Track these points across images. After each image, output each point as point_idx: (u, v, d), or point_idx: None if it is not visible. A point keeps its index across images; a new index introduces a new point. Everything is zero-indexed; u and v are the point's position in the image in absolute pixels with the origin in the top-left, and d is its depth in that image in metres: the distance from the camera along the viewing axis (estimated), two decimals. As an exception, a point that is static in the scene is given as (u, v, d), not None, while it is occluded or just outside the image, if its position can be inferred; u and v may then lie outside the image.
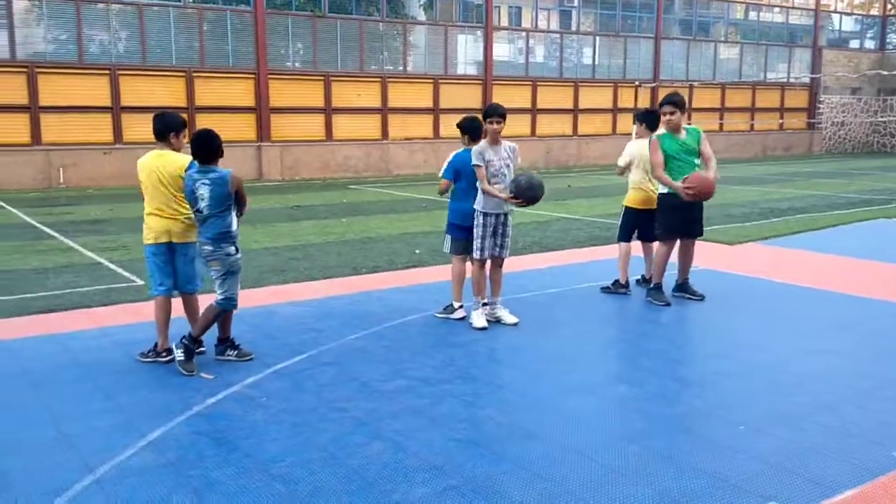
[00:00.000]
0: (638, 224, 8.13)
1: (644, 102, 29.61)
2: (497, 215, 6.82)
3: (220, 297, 5.76)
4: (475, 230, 6.83)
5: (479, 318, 6.82)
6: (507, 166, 6.85)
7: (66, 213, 14.86)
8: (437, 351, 6.22)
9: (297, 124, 23.61)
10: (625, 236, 8.19)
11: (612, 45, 30.10)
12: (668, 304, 7.55)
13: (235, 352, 5.95)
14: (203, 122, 22.25)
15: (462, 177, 7.02)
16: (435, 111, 25.99)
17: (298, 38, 23.88)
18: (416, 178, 23.76)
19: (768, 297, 7.96)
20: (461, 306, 7.14)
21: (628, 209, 8.23)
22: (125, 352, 6.14)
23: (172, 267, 5.92)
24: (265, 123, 23.13)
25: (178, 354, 5.66)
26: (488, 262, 6.99)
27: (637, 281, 8.34)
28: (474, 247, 6.87)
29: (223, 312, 5.83)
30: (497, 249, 6.91)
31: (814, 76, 35.08)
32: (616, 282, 8.11)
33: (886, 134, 37.80)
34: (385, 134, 25.01)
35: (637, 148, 8.17)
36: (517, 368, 5.77)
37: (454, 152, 7.14)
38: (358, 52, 24.82)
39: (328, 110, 24.02)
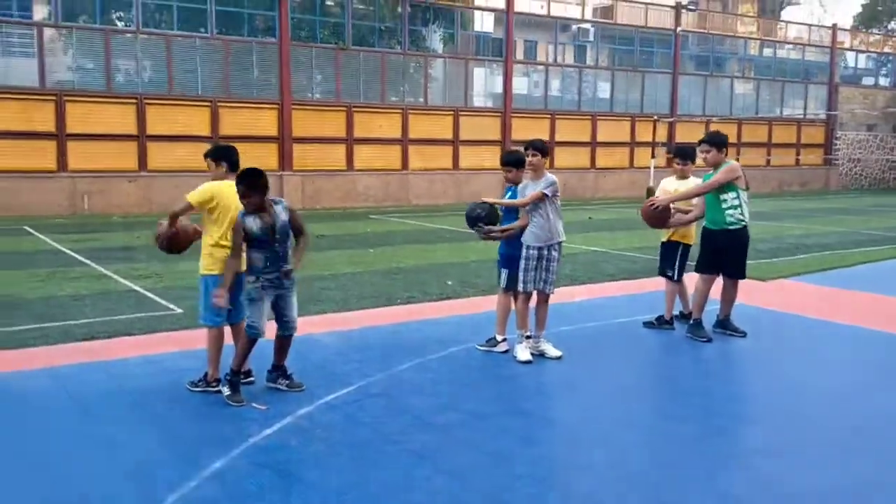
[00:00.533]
0: (674, 258, 8.15)
1: (661, 137, 29.76)
2: (540, 248, 6.84)
3: (245, 323, 5.78)
4: (521, 262, 6.85)
5: (523, 352, 6.81)
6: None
7: (93, 240, 14.97)
8: (484, 384, 6.22)
9: (318, 154, 23.81)
10: (663, 272, 8.21)
11: (630, 80, 30.33)
12: (709, 340, 7.52)
13: (287, 381, 5.95)
14: (226, 150, 22.49)
15: (503, 211, 7.12)
16: (454, 143, 26.18)
17: (322, 69, 24.18)
18: (436, 208, 23.86)
19: (813, 334, 7.93)
20: (504, 339, 7.13)
21: (661, 244, 8.27)
22: (173, 380, 6.16)
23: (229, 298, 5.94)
24: (287, 153, 23.33)
25: (224, 390, 5.67)
26: (534, 297, 6.99)
27: (675, 316, 8.31)
28: (520, 279, 6.88)
29: (251, 341, 5.77)
30: (542, 284, 6.92)
31: (831, 113, 35.22)
32: (660, 317, 8.08)
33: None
34: (405, 164, 25.18)
35: (670, 185, 8.21)
36: (567, 403, 5.75)
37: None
38: (379, 84, 25.09)
39: (350, 140, 24.23)
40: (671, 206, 7.67)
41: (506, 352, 7.05)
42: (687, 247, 8.04)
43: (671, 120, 30.11)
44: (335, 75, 24.28)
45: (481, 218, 6.95)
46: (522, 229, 6.89)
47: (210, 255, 5.90)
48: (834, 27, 38.43)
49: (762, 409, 5.71)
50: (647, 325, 8.14)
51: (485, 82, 27.46)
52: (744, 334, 7.73)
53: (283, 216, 5.76)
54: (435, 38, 27.44)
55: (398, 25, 25.94)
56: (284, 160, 23.35)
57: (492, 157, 27.05)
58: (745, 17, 39.55)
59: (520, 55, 29.14)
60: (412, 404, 5.67)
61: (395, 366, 6.61)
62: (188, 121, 21.93)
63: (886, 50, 40.03)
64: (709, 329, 7.71)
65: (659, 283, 10.49)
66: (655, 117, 29.10)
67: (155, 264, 11.95)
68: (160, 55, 21.73)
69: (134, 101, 21.29)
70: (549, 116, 28.17)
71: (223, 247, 5.85)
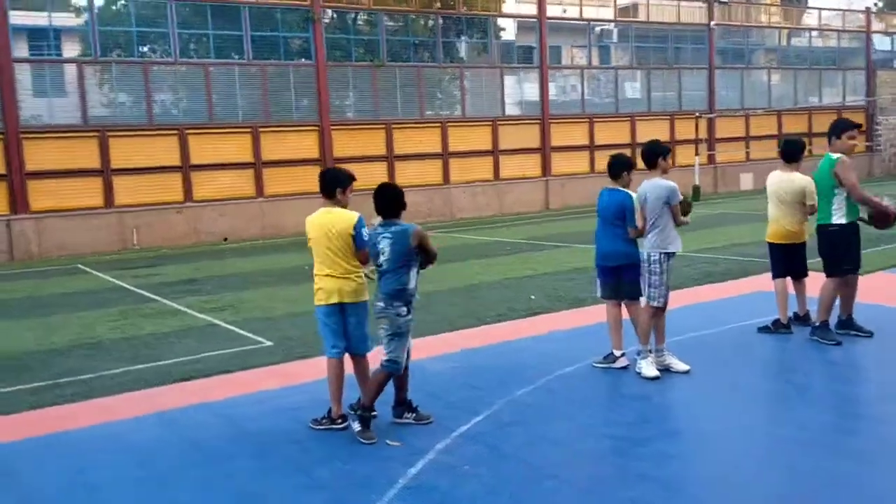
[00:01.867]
0: (782, 259, 7.76)
1: (703, 133, 29.26)
2: (672, 255, 6.49)
3: (384, 358, 5.48)
4: (658, 276, 6.46)
5: (649, 368, 6.44)
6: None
7: (153, 274, 14.81)
8: (619, 405, 5.88)
9: (360, 173, 23.38)
10: (776, 272, 7.80)
11: (665, 78, 29.86)
12: (839, 343, 7.08)
13: (414, 414, 5.64)
14: (270, 176, 22.39)
15: (598, 218, 6.76)
16: (494, 153, 25.85)
17: (359, 88, 23.99)
18: (480, 220, 23.54)
19: (937, 330, 7.48)
20: (623, 354, 6.77)
21: (769, 244, 7.89)
22: (292, 418, 5.87)
23: (344, 328, 5.66)
24: (329, 174, 23.10)
25: (355, 426, 5.36)
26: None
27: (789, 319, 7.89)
28: (654, 294, 6.48)
29: (390, 376, 5.52)
30: (667, 292, 6.55)
31: (869, 99, 34.48)
32: (776, 321, 7.67)
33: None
34: (447, 178, 24.88)
35: (776, 179, 7.83)
36: (714, 420, 5.38)
37: (602, 191, 6.89)
38: (417, 99, 24.87)
39: (390, 157, 24.00)
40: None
41: (625, 367, 6.68)
42: (804, 245, 7.68)
43: (711, 116, 29.59)
44: (373, 93, 24.09)
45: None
46: None
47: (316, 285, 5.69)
48: (868, 10, 37.69)
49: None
50: (763, 329, 7.73)
51: (521, 90, 27.14)
52: (870, 334, 7.30)
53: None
54: (468, 49, 27.18)
55: (431, 39, 25.74)
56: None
57: (533, 165, 26.72)
58: (773, 5, 38.95)
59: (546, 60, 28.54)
60: (551, 431, 5.33)
61: (515, 390, 6.27)
62: (230, 148, 21.82)
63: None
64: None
65: (747, 285, 10.11)
66: (697, 114, 28.62)
67: (225, 295, 11.75)
68: (199, 84, 21.65)
69: (175, 132, 21.20)
70: (587, 120, 27.77)
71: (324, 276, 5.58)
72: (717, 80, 30.91)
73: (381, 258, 5.42)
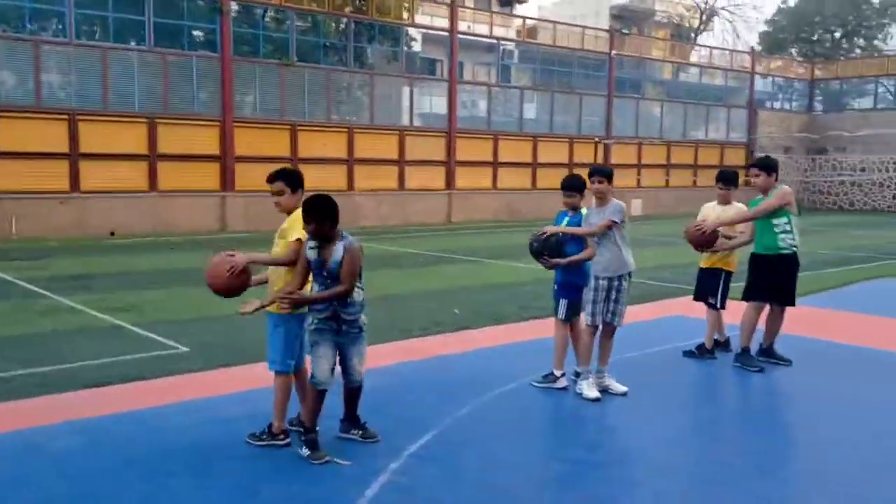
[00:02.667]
0: (717, 284, 7.96)
1: (599, 158, 30.16)
2: (610, 279, 6.50)
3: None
4: (593, 293, 6.48)
5: (591, 389, 6.43)
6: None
7: (39, 268, 13.74)
8: (568, 426, 5.83)
9: (262, 174, 22.79)
10: (697, 296, 8.02)
11: (568, 102, 30.63)
12: (761, 370, 7.33)
13: (361, 431, 5.37)
14: (165, 170, 21.38)
15: None
16: (400, 163, 25.72)
17: (265, 85, 23.31)
18: (385, 229, 23.30)
19: (848, 360, 7.86)
20: (563, 375, 6.73)
21: (699, 269, 8.10)
22: (226, 431, 5.49)
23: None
24: (230, 173, 22.35)
25: (303, 452, 5.03)
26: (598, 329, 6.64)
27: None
28: (587, 312, 6.51)
29: (316, 394, 5.12)
30: (609, 315, 6.57)
31: (751, 137, 36.63)
32: (701, 345, 7.87)
33: (816, 192, 39.59)
34: (351, 185, 24.52)
35: (710, 211, 8.04)
36: (672, 445, 5.40)
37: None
38: (325, 102, 24.43)
39: (294, 160, 23.39)
40: (719, 230, 7.48)
41: (565, 388, 6.66)
42: (730, 273, 7.86)
43: (609, 142, 30.57)
44: (279, 92, 23.46)
45: (544, 251, 6.56)
46: (588, 259, 6.53)
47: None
48: (752, 51, 40.12)
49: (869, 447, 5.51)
50: (688, 353, 7.91)
51: (429, 102, 27.16)
52: (789, 362, 7.59)
53: (338, 254, 5.11)
54: (378, 56, 26.97)
55: (342, 42, 25.37)
56: (227, 181, 22.35)
57: (438, 177, 26.74)
58: (664, 40, 40.79)
59: (446, 75, 28.65)
60: (507, 453, 5.19)
61: (459, 408, 6.10)
62: (124, 138, 20.68)
63: (791, 75, 41.99)
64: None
65: (663, 308, 10.38)
66: (596, 139, 29.50)
67: (124, 295, 11.03)
68: (94, 68, 20.42)
69: (65, 116, 19.91)
70: (492, 137, 28.09)
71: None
72: (614, 107, 32.00)
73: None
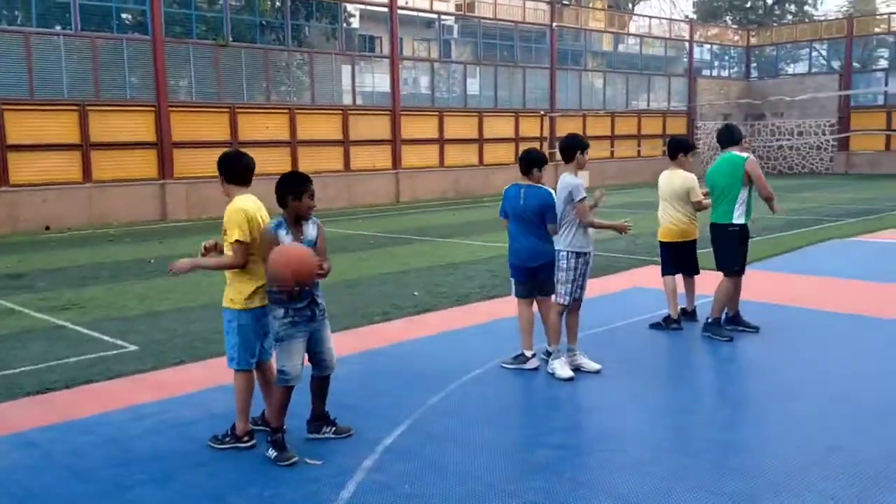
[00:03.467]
0: (672, 257, 7.89)
1: (545, 132, 30.07)
2: (585, 254, 6.31)
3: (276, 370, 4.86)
4: (565, 273, 6.28)
5: (563, 368, 6.24)
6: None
7: (-31, 267, 12.99)
8: (544, 409, 5.61)
9: (202, 159, 22.10)
10: (666, 270, 7.92)
11: (511, 76, 30.40)
12: (731, 339, 7.26)
13: (333, 428, 5.08)
14: (99, 159, 20.50)
15: (509, 216, 6.44)
16: (345, 143, 25.18)
17: (200, 67, 22.48)
18: (331, 212, 22.79)
19: (811, 324, 7.85)
20: (534, 355, 6.53)
21: (660, 243, 8.01)
22: (185, 436, 5.14)
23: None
24: (167, 159, 21.55)
25: (270, 453, 4.71)
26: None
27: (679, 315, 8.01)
28: (561, 291, 6.30)
29: (285, 392, 4.82)
30: (578, 291, 6.38)
31: (691, 105, 37.01)
32: (667, 317, 7.76)
33: (755, 157, 40.17)
34: (295, 167, 23.87)
35: (662, 179, 7.94)
36: (652, 422, 5.24)
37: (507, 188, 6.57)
38: (264, 83, 23.71)
39: (234, 144, 22.67)
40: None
41: (536, 368, 6.46)
42: (695, 243, 7.85)
43: (554, 115, 30.47)
44: (216, 74, 22.66)
45: None
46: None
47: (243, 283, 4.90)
48: (691, 21, 40.44)
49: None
50: (655, 326, 7.81)
51: (372, 80, 26.59)
52: (756, 329, 7.54)
53: (311, 233, 4.89)
54: (317, 35, 26.27)
55: (279, 21, 24.61)
56: (165, 167, 21.54)
57: (384, 157, 26.29)
58: (604, 11, 40.81)
59: (387, 52, 28.05)
60: (486, 441, 4.97)
61: (430, 396, 5.86)
62: (54, 127, 19.71)
63: (728, 42, 42.52)
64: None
65: (621, 281, 10.27)
66: (542, 112, 29.36)
67: (64, 292, 10.46)
68: (17, 55, 19.33)
69: (-11, 106, 18.87)
70: (437, 114, 27.70)
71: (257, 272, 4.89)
72: (557, 80, 31.90)
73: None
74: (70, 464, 4.73)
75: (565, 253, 6.31)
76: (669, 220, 7.82)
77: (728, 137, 7.54)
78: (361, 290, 10.10)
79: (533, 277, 6.36)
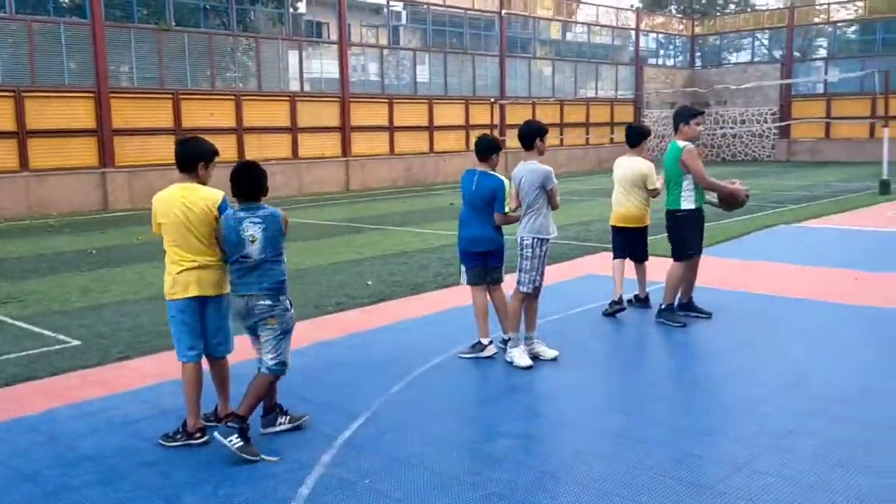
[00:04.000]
0: (624, 242, 7.93)
1: (496, 120, 30.06)
2: (547, 241, 6.26)
3: (271, 361, 4.71)
4: (529, 261, 6.21)
5: (522, 357, 6.20)
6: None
7: None
8: (503, 398, 5.56)
9: (145, 147, 21.54)
10: (616, 253, 7.98)
11: (461, 63, 30.28)
12: (684, 325, 7.31)
13: (287, 417, 4.95)
14: (37, 147, 19.79)
15: (463, 203, 6.40)
16: (293, 130, 24.77)
17: (142, 52, 21.83)
18: (279, 200, 22.40)
19: (763, 310, 7.96)
20: (490, 342, 6.48)
21: (612, 227, 8.06)
22: (133, 434, 4.95)
23: (203, 325, 4.83)
24: (108, 147, 20.91)
25: (234, 441, 4.51)
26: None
27: (629, 300, 8.04)
28: (525, 279, 6.23)
29: (277, 380, 4.80)
30: (539, 279, 6.34)
31: (637, 93, 37.43)
32: (613, 302, 7.78)
33: (700, 145, 40.94)
34: (241, 155, 23.38)
35: (619, 165, 7.97)
36: (612, 409, 5.23)
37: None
38: (208, 69, 23.15)
39: (178, 131, 22.13)
40: None
41: (493, 356, 6.41)
42: (646, 229, 7.93)
43: (504, 102, 30.46)
44: (158, 59, 22.03)
45: None
46: None
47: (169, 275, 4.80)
48: (637, 10, 40.81)
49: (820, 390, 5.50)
50: (607, 314, 7.81)
51: (320, 66, 26.20)
52: (709, 315, 7.62)
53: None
54: (263, 19, 25.76)
55: (223, 4, 24.03)
56: (105, 155, 20.89)
57: (333, 144, 25.96)
58: None
59: (334, 38, 27.61)
60: (447, 432, 4.90)
61: (387, 387, 5.77)
62: (-13, 114, 18.97)
63: (673, 31, 43.09)
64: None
65: (573, 268, 10.25)
66: (492, 100, 29.31)
67: (2, 285, 10.05)
68: (-53, 38, 18.55)
69: (-83, 92, 18.04)
70: (387, 101, 27.45)
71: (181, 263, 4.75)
72: (507, 68, 31.88)
73: (251, 247, 4.61)
74: (14, 465, 4.50)
75: (531, 239, 6.24)
76: (624, 206, 7.85)
77: (675, 122, 7.59)
78: (314, 279, 9.92)
79: (485, 264, 6.32)
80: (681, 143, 7.37)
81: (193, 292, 4.73)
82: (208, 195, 4.80)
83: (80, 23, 20.59)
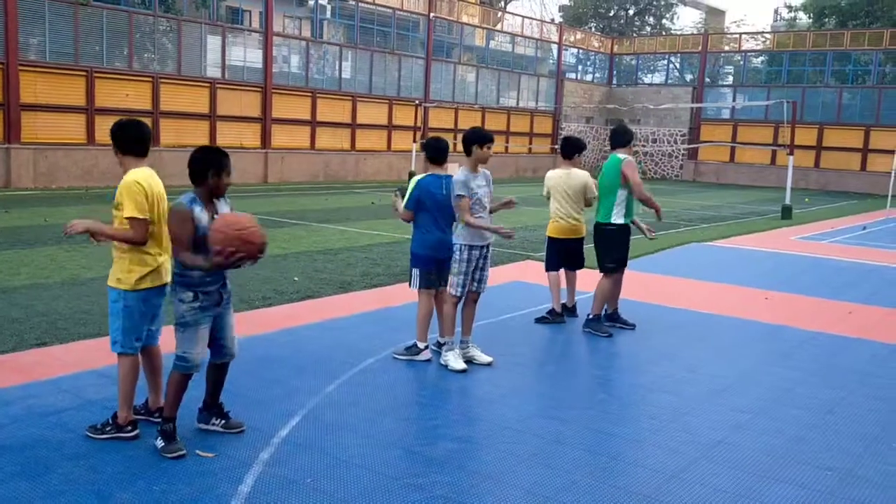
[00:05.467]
0: (560, 253, 8.08)
1: (419, 121, 30.09)
2: (480, 248, 6.32)
3: (175, 354, 4.56)
4: (458, 265, 6.26)
5: (457, 360, 6.24)
6: (487, 195, 6.40)
7: None
8: (440, 401, 5.59)
9: (53, 125, 20.57)
10: (551, 265, 8.10)
11: (388, 63, 30.21)
12: (610, 335, 7.52)
13: (224, 421, 4.80)
14: (-66, 116, 18.61)
15: (424, 207, 6.35)
16: (212, 118, 24.15)
17: (57, 26, 20.84)
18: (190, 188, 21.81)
19: (684, 323, 8.26)
20: (427, 347, 6.50)
21: (549, 238, 8.17)
22: (57, 425, 4.73)
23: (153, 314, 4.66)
24: (14, 122, 19.86)
25: (158, 443, 4.41)
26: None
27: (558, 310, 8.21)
28: (454, 283, 6.29)
29: (184, 377, 4.53)
30: (475, 284, 6.39)
31: (557, 105, 38.21)
32: (552, 310, 7.94)
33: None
34: (157, 140, 22.65)
35: (556, 177, 8.11)
36: (549, 414, 5.32)
37: (416, 178, 6.46)
38: (126, 48, 22.30)
39: (90, 111, 21.24)
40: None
41: (428, 360, 6.43)
42: (583, 240, 8.10)
43: (429, 105, 30.54)
44: (73, 34, 21.08)
45: None
46: None
47: (136, 264, 4.55)
48: (560, 24, 41.68)
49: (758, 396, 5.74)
50: (540, 320, 7.96)
51: (243, 54, 25.62)
52: (633, 326, 7.86)
53: (225, 211, 4.63)
54: (184, 2, 24.99)
55: (146, -17, 23.24)
56: (11, 130, 19.83)
57: (253, 135, 25.45)
58: (476, 5, 41.33)
59: (256, 26, 27.10)
60: (386, 434, 4.88)
61: (323, 386, 5.71)
62: None
63: (593, 49, 44.24)
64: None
65: (501, 274, 10.33)
66: (417, 102, 29.32)
67: None
68: None
69: None
70: (310, 95, 27.09)
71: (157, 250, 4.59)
72: (432, 71, 31.99)
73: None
74: (-76, 456, 4.22)
75: (459, 245, 6.31)
76: (561, 217, 7.97)
77: (616, 139, 7.79)
78: (238, 272, 9.65)
79: (439, 269, 6.35)
80: (621, 155, 7.59)
81: (160, 281, 4.57)
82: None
83: (-10, -11, 19.50)
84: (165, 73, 23.26)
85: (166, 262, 4.61)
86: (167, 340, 4.81)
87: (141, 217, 4.42)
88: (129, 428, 4.60)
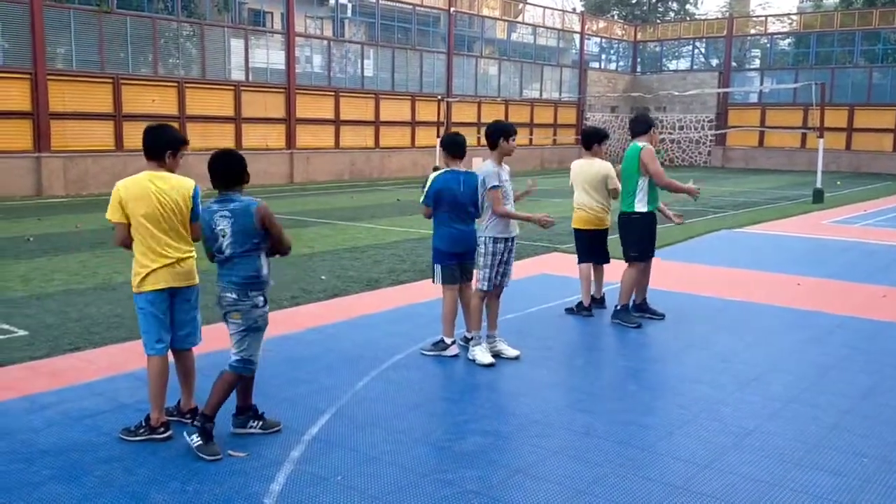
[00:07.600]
0: (587, 245, 8.03)
1: (442, 117, 30.06)
2: (506, 240, 6.30)
3: (234, 358, 4.62)
4: (483, 258, 6.26)
5: (484, 355, 6.24)
6: (511, 188, 6.40)
7: None
8: (470, 396, 5.58)
9: (82, 132, 20.88)
10: (581, 258, 8.05)
11: (409, 59, 30.22)
12: (639, 326, 7.46)
13: (260, 423, 4.83)
14: (-33, 128, 18.98)
15: (442, 203, 6.33)
16: (237, 120, 24.35)
17: (82, 35, 21.14)
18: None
19: (713, 312, 8.17)
20: (454, 342, 6.49)
21: (575, 230, 8.13)
22: (91, 428, 4.80)
23: (171, 317, 4.71)
24: (44, 131, 20.19)
25: (194, 440, 4.46)
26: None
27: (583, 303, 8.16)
28: (482, 276, 6.29)
29: (241, 379, 4.69)
30: (499, 278, 6.38)
31: (581, 96, 37.96)
32: (580, 304, 7.90)
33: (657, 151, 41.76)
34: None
35: (578, 167, 8.06)
36: (578, 407, 5.30)
37: (434, 174, 6.46)
38: (151, 54, 22.56)
39: (118, 117, 21.53)
40: None
41: (456, 355, 6.43)
42: (607, 231, 8.05)
43: (451, 100, 30.52)
44: (98, 42, 21.36)
45: None
46: None
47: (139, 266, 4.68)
48: (582, 13, 41.39)
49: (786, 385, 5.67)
50: (569, 311, 7.94)
51: (266, 56, 25.78)
52: (662, 316, 7.79)
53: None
54: (207, 6, 25.20)
55: (168, -11, 23.48)
56: (41, 139, 20.17)
57: (278, 136, 25.62)
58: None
59: (277, 27, 27.25)
60: (417, 429, 4.89)
61: (353, 383, 5.74)
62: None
63: (616, 37, 43.87)
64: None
65: (527, 267, 10.36)
66: (440, 97, 29.31)
67: (-66, 271, 9.61)
68: None
69: None
70: (333, 94, 27.20)
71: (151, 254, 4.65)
72: (454, 65, 31.95)
73: (223, 241, 4.52)
74: (-35, 462, 4.32)
75: (484, 238, 6.30)
76: (584, 208, 7.95)
77: (635, 128, 7.73)
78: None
79: (461, 263, 6.34)
80: (640, 144, 7.52)
81: (163, 284, 4.62)
82: (180, 184, 4.70)
83: (18, 1, 19.80)
84: (190, 77, 23.50)
85: (174, 264, 4.63)
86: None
87: (114, 220, 4.62)
88: (162, 430, 4.67)
